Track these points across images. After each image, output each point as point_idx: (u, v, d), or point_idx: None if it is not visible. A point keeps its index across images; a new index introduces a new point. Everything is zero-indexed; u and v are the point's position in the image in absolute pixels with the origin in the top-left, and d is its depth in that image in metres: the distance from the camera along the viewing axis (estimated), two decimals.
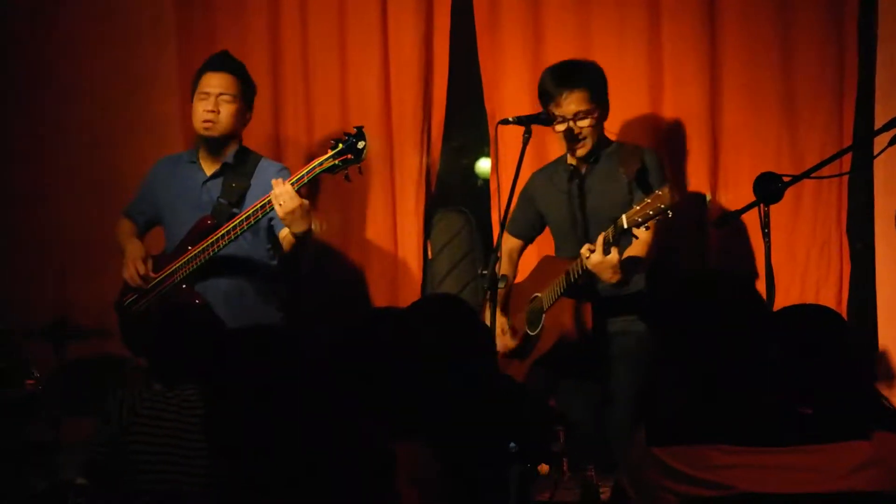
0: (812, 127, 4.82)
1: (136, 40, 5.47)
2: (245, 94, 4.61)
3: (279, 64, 5.32)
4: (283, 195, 4.21)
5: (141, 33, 5.48)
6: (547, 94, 4.35)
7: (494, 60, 5.12)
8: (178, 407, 3.42)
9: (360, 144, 4.23)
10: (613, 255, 3.94)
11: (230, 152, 4.60)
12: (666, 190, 3.76)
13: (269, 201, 4.27)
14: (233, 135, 4.59)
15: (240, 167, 4.57)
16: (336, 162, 4.24)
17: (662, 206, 3.75)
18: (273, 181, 4.28)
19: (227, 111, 4.54)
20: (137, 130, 5.42)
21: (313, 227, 4.35)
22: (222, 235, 4.39)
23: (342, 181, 5.20)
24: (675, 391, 2.48)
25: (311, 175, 4.28)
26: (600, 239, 3.94)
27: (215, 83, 4.56)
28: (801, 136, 4.82)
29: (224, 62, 4.63)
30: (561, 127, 4.30)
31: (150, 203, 4.77)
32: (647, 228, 3.87)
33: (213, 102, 4.53)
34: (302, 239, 4.33)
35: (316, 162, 4.29)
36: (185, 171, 4.68)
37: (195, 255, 4.44)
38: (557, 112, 4.30)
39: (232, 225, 4.37)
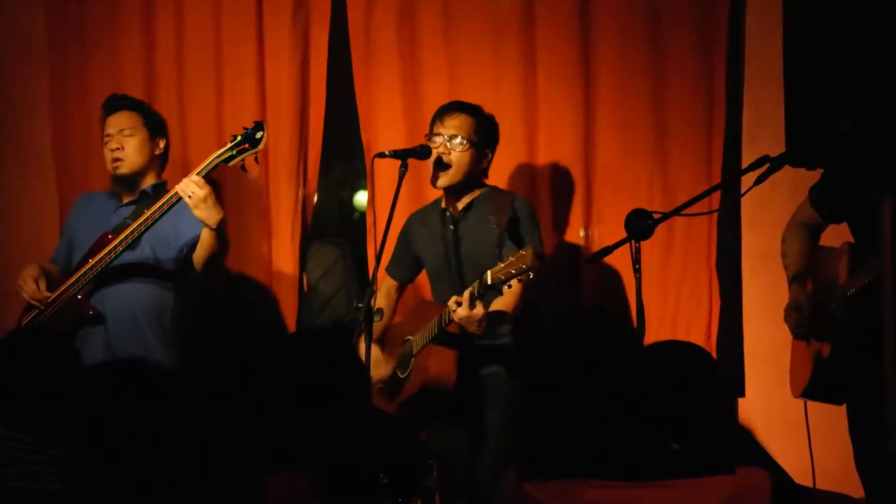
0: (683, 165, 4.92)
1: (5, 68, 5.35)
2: (148, 124, 4.60)
3: (154, 93, 5.25)
4: (189, 186, 4.19)
5: (10, 61, 5.37)
6: (437, 115, 4.39)
7: (370, 94, 5.14)
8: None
9: (259, 135, 4.25)
10: (478, 309, 3.99)
11: (148, 184, 4.59)
12: (529, 251, 3.83)
13: (169, 199, 4.25)
14: (144, 168, 4.57)
15: (157, 198, 4.49)
16: (233, 152, 4.25)
17: (525, 266, 3.82)
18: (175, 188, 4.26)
19: (131, 145, 4.54)
20: (6, 159, 5.31)
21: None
22: (121, 241, 4.34)
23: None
24: (545, 426, 2.50)
25: (208, 168, 4.26)
26: (466, 293, 3.98)
27: (113, 123, 4.58)
28: (672, 174, 4.92)
29: (117, 102, 4.66)
30: (435, 144, 4.31)
31: (67, 238, 4.73)
32: (510, 286, 3.92)
33: (116, 141, 4.54)
34: (219, 232, 4.30)
35: (214, 154, 4.28)
36: (101, 201, 4.68)
37: (92, 265, 4.39)
38: (438, 129, 4.34)
39: (132, 228, 4.33)
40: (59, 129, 5.34)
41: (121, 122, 4.56)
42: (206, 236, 4.34)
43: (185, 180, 4.21)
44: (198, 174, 4.21)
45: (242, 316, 5.18)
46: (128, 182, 4.57)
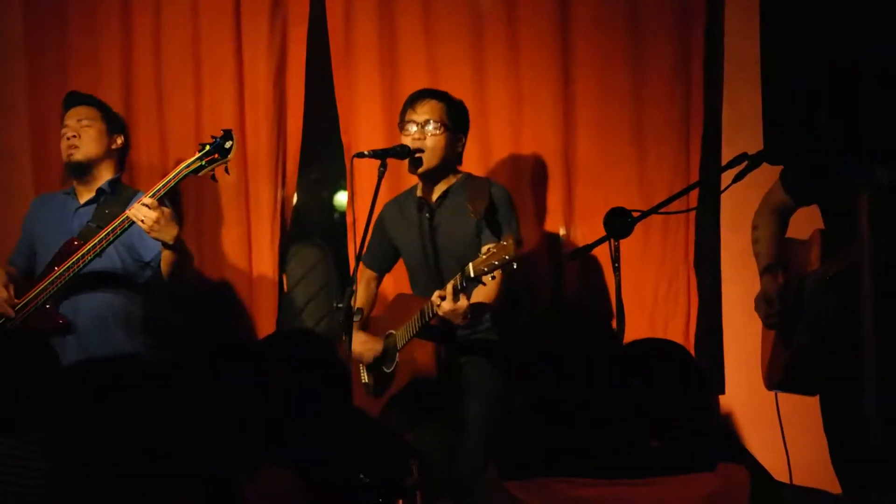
0: (661, 163, 4.92)
1: None
2: (106, 119, 4.62)
3: (132, 92, 5.24)
4: (140, 210, 4.19)
5: None
6: (407, 103, 4.39)
7: (350, 93, 5.13)
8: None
9: (228, 144, 4.27)
10: (462, 301, 4.00)
11: (105, 179, 4.58)
12: (510, 241, 3.83)
13: (121, 222, 4.25)
14: (99, 158, 4.57)
15: (116, 196, 4.54)
16: (202, 162, 4.25)
17: (507, 256, 3.82)
18: (131, 205, 4.25)
19: (87, 134, 4.56)
20: None
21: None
22: (86, 252, 4.34)
23: (198, 220, 5.15)
24: (526, 425, 2.50)
25: (177, 179, 4.26)
26: (449, 286, 3.98)
27: (72, 115, 4.61)
28: (650, 172, 4.92)
29: (77, 97, 4.69)
30: (409, 132, 4.31)
31: (27, 240, 4.71)
32: (494, 278, 3.94)
33: (72, 129, 4.56)
34: (177, 248, 4.29)
35: (182, 164, 4.28)
36: (58, 202, 4.68)
37: (59, 274, 4.39)
38: (411, 116, 4.34)
39: (95, 241, 4.32)
40: (37, 130, 5.32)
41: (79, 114, 4.59)
42: (165, 254, 4.35)
43: (136, 204, 4.21)
44: (152, 195, 4.21)
45: (221, 317, 5.17)
46: (82, 171, 4.57)
